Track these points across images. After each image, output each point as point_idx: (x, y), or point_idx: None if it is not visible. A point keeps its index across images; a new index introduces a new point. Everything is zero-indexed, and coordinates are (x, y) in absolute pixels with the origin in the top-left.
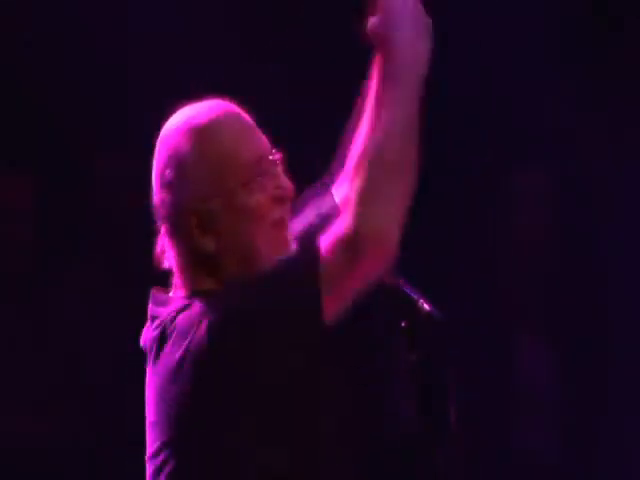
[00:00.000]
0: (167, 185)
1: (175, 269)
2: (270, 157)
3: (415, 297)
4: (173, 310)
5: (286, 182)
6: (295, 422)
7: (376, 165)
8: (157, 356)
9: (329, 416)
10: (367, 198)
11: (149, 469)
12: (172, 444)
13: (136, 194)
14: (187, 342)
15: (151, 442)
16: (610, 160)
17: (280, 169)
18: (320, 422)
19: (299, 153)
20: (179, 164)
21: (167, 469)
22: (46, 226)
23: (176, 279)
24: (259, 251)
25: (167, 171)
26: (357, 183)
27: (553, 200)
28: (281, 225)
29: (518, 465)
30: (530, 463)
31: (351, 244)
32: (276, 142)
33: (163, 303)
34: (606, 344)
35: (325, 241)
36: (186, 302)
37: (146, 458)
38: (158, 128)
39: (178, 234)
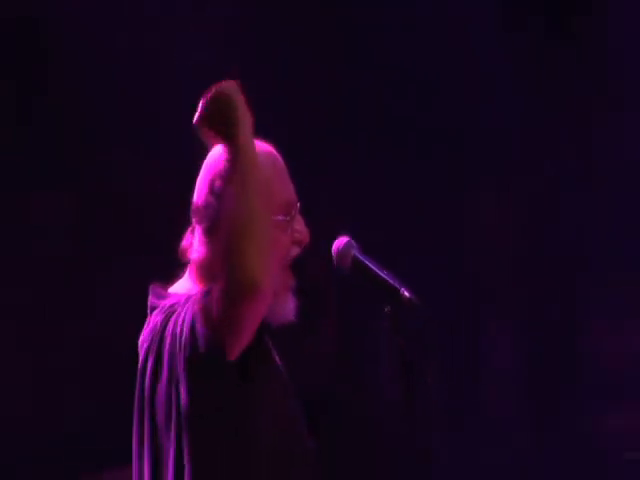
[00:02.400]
0: (215, 193)
1: (198, 262)
2: (296, 204)
3: (397, 286)
4: (177, 301)
5: (305, 229)
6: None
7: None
8: (158, 345)
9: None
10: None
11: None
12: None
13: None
14: (180, 329)
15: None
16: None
17: (300, 218)
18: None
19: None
20: (225, 175)
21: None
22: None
23: (193, 272)
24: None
25: (217, 181)
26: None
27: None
28: (287, 265)
29: (487, 444)
30: (497, 443)
31: (227, 295)
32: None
33: (163, 297)
34: (573, 327)
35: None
36: (190, 295)
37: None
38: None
39: (215, 234)
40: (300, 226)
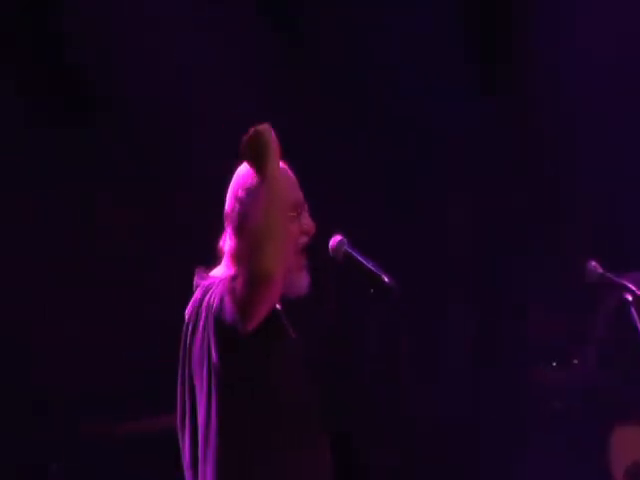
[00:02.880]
0: (239, 201)
1: (229, 255)
2: (304, 204)
3: (379, 273)
4: (213, 282)
5: (311, 223)
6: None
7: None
8: (197, 315)
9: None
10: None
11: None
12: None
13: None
14: (215, 304)
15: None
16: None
17: (307, 213)
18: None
19: None
20: (250, 189)
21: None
22: None
23: (227, 261)
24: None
25: (240, 192)
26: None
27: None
28: (301, 249)
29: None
30: (449, 415)
31: (248, 281)
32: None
33: (204, 278)
34: (523, 310)
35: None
36: (223, 278)
37: None
38: None
39: (241, 234)
40: (307, 220)
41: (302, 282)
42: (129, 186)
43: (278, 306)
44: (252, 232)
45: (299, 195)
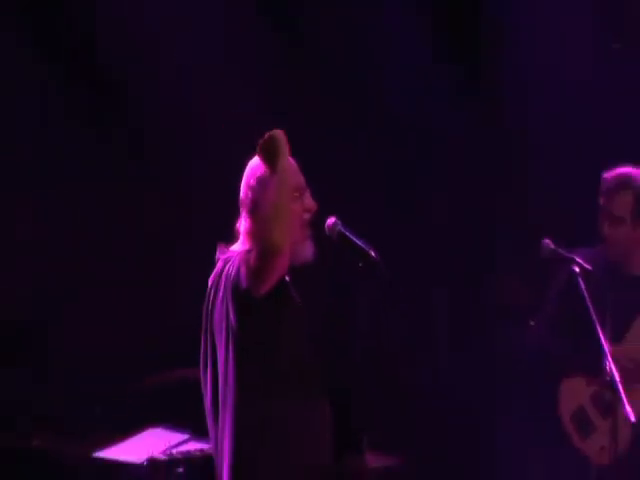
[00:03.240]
0: (251, 189)
1: (244, 233)
2: (305, 187)
3: (367, 249)
4: (232, 255)
5: (312, 202)
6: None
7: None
8: (218, 283)
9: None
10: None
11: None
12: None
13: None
14: (234, 273)
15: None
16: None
17: (308, 191)
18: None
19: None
20: (259, 178)
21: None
22: None
23: (242, 238)
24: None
25: (252, 181)
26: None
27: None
28: (305, 224)
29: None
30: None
31: (260, 253)
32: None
33: (224, 252)
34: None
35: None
36: (239, 251)
37: None
38: None
39: (253, 215)
40: (308, 200)
41: (307, 251)
42: (163, 183)
43: (287, 278)
44: (264, 213)
45: (301, 179)
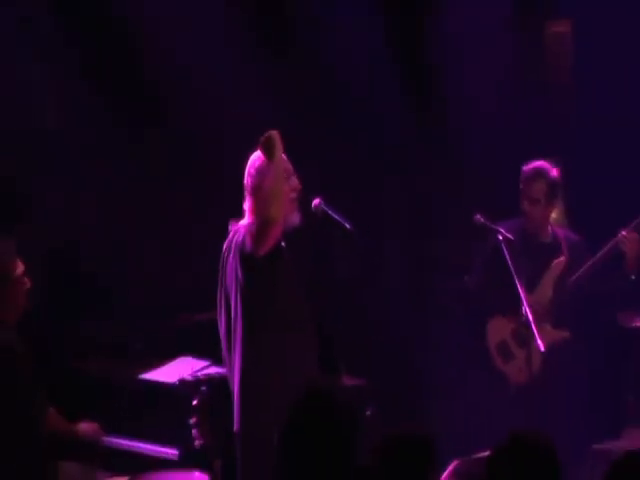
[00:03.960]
0: (251, 176)
1: (248, 212)
2: (292, 170)
3: (344, 222)
4: (240, 227)
5: (297, 183)
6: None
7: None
8: (230, 248)
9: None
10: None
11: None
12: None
13: None
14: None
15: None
16: None
17: (294, 175)
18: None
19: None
20: (259, 167)
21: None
22: None
23: (247, 215)
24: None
25: (252, 170)
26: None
27: None
28: (293, 201)
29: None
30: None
31: (260, 225)
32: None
33: (234, 225)
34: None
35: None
36: (244, 225)
37: None
38: None
39: (254, 196)
40: (294, 182)
41: (294, 219)
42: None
43: (283, 244)
44: (264, 194)
45: (289, 166)
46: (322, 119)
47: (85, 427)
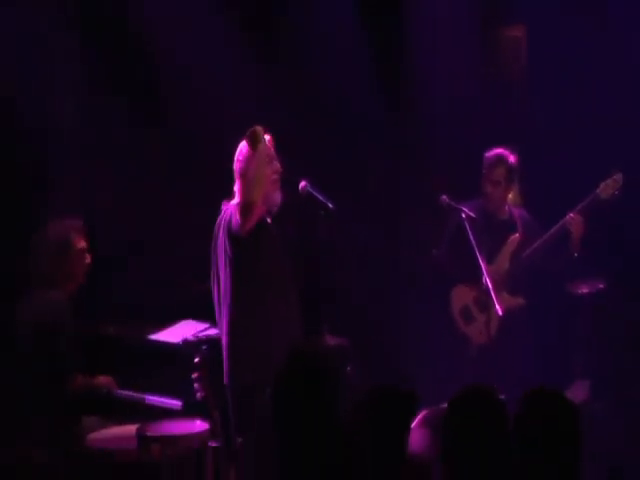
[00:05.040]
0: (239, 162)
1: (237, 193)
2: (274, 156)
3: (326, 202)
4: (229, 206)
5: (278, 166)
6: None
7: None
8: (220, 224)
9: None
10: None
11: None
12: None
13: None
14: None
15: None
16: None
17: (276, 160)
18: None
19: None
20: (245, 156)
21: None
22: None
23: (236, 196)
24: (264, 190)
25: (240, 157)
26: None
27: None
28: (275, 182)
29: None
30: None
31: (242, 204)
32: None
33: (226, 205)
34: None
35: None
36: (233, 204)
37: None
38: None
39: (241, 179)
40: (276, 165)
41: (277, 198)
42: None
43: (269, 220)
44: (247, 179)
45: (271, 151)
46: (307, 114)
47: (102, 379)
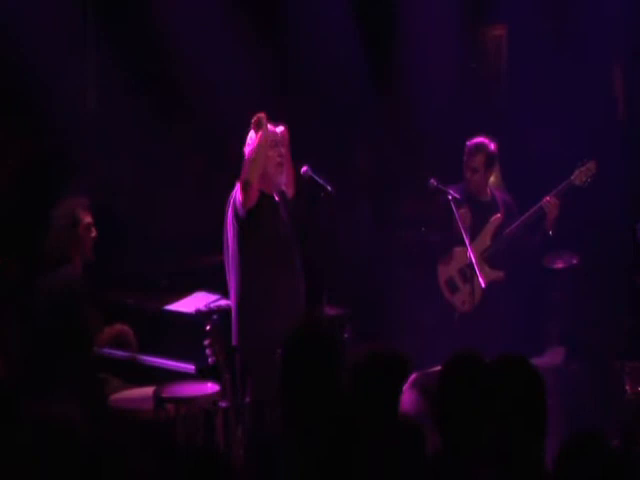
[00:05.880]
0: (246, 145)
1: (242, 172)
2: (278, 141)
3: (325, 184)
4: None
5: (283, 151)
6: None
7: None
8: (229, 201)
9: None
10: (243, 174)
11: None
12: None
13: None
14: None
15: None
16: None
17: (283, 146)
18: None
19: None
20: (250, 139)
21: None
22: None
23: (241, 174)
24: (268, 170)
25: (248, 141)
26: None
27: None
28: (278, 165)
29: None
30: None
31: (242, 183)
32: None
33: (235, 186)
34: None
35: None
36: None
37: None
38: None
39: (244, 160)
40: (279, 150)
41: (280, 180)
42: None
43: (277, 198)
44: (247, 159)
45: (276, 137)
46: (308, 99)
47: (119, 327)
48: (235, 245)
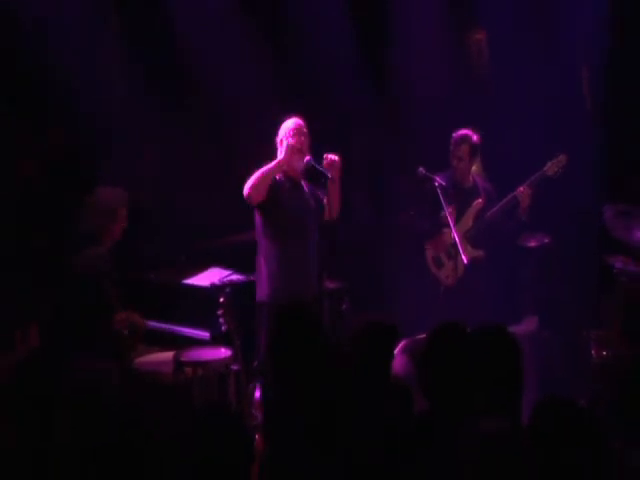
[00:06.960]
0: (276, 135)
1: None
2: (298, 131)
3: (326, 171)
4: None
5: (302, 139)
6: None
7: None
8: None
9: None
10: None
11: None
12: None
13: None
14: None
15: None
16: None
17: (301, 135)
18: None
19: None
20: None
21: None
22: None
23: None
24: (289, 154)
25: (280, 131)
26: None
27: None
28: (299, 150)
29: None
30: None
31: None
32: None
33: None
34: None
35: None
36: None
37: None
38: None
39: (280, 149)
40: (299, 139)
41: (299, 165)
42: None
43: (288, 185)
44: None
45: (295, 126)
46: (310, 97)
47: (134, 316)
48: (259, 222)
